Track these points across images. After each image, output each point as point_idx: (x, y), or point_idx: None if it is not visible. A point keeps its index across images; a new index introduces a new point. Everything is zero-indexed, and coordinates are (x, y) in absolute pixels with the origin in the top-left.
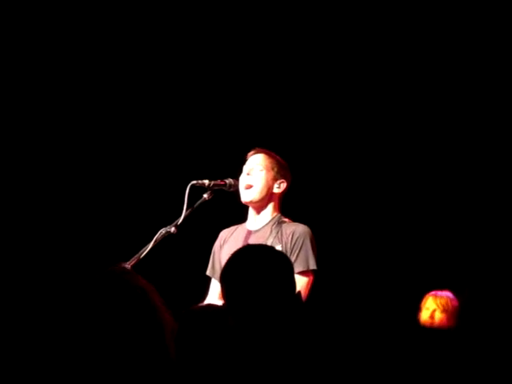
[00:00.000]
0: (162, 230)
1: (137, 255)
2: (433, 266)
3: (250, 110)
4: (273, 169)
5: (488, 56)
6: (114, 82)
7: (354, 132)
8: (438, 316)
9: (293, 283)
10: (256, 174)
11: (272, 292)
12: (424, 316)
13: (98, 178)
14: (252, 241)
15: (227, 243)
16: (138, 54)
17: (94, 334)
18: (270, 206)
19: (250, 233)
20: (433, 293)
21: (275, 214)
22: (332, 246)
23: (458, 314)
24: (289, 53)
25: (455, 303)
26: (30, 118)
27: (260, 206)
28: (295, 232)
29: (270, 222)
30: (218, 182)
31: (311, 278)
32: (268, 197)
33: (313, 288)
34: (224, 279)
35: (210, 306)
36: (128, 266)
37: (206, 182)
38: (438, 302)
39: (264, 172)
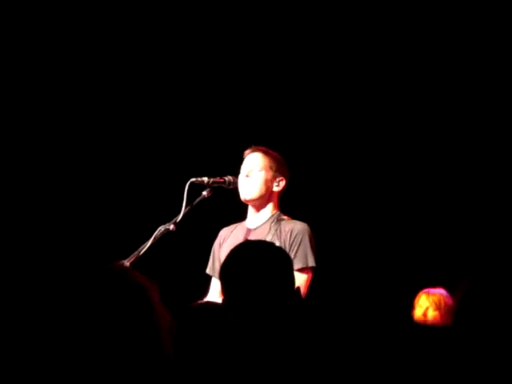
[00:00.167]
0: (161, 228)
1: (136, 252)
2: (431, 262)
3: (248, 108)
4: (271, 168)
5: (488, 56)
6: (113, 81)
7: (351, 129)
8: (431, 314)
9: (292, 279)
10: (255, 175)
11: (271, 288)
12: (417, 314)
13: (97, 176)
14: (251, 238)
15: (227, 241)
16: (137, 53)
17: (89, 332)
18: (270, 204)
19: (249, 231)
20: (425, 290)
21: (274, 211)
22: (330, 243)
23: (453, 311)
24: (285, 50)
25: (448, 301)
26: (29, 115)
27: (259, 205)
28: (294, 229)
29: (268, 219)
30: (218, 179)
31: (310, 275)
32: (267, 195)
33: (311, 285)
34: (223, 275)
35: (209, 303)
36: (127, 263)
37: (205, 179)
38: (431, 299)
39: (263, 172)
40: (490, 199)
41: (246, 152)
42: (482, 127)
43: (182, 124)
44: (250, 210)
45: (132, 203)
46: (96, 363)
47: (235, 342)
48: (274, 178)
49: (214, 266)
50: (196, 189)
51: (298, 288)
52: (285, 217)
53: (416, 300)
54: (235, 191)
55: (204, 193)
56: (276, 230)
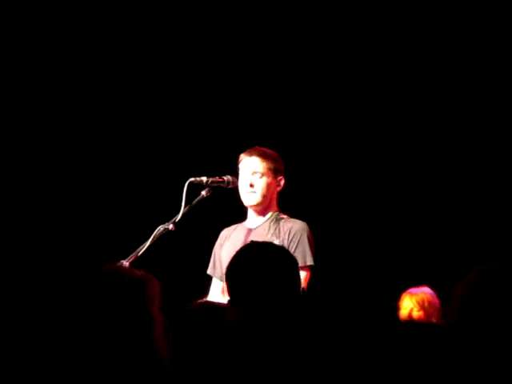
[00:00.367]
0: (160, 227)
1: (135, 252)
2: (429, 259)
3: (245, 107)
4: (270, 169)
5: (488, 56)
6: (111, 80)
7: (348, 127)
8: (416, 314)
9: (298, 280)
10: (257, 183)
11: (278, 289)
12: (402, 315)
13: (96, 176)
14: (252, 238)
15: (227, 242)
16: (136, 52)
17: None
18: (270, 204)
19: (249, 231)
20: (408, 291)
21: (273, 210)
22: (329, 241)
23: (439, 310)
24: (282, 49)
25: (432, 299)
26: (29, 115)
27: (262, 207)
28: (292, 228)
29: (268, 219)
30: (217, 178)
31: (309, 273)
32: (270, 197)
33: (310, 284)
34: (229, 276)
35: (207, 302)
36: (126, 263)
37: (204, 179)
38: (414, 300)
39: (264, 178)
40: (486, 198)
41: (243, 155)
42: (480, 127)
43: (181, 124)
44: (250, 210)
45: (131, 203)
46: (90, 358)
47: (234, 342)
48: (275, 179)
49: (214, 267)
50: (195, 188)
51: (304, 289)
52: (284, 216)
53: (400, 302)
54: (235, 191)
55: (203, 192)
56: (275, 229)
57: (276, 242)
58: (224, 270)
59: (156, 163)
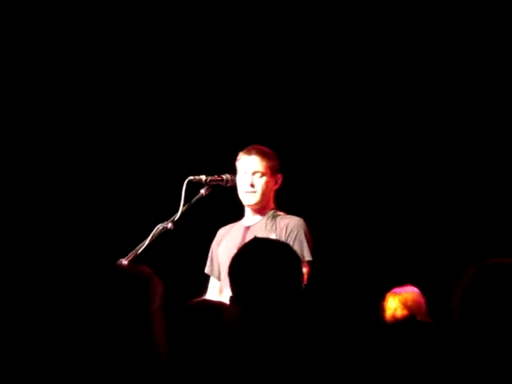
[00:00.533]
0: (159, 226)
1: (134, 251)
2: (426, 256)
3: (243, 104)
4: (269, 168)
5: (488, 56)
6: (111, 80)
7: (342, 123)
8: (400, 314)
9: (301, 276)
10: (256, 181)
11: (281, 285)
12: (387, 316)
13: (94, 175)
14: (249, 236)
15: (224, 240)
16: (135, 50)
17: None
18: (267, 202)
19: (246, 229)
20: (392, 291)
21: (271, 208)
22: (325, 237)
23: (424, 309)
24: (279, 47)
25: (417, 298)
26: (28, 113)
27: (261, 206)
28: (289, 224)
29: (265, 216)
30: (215, 177)
31: (307, 269)
32: (268, 196)
33: (309, 279)
34: (232, 273)
35: (206, 301)
36: (125, 261)
37: (203, 177)
38: (397, 300)
39: (264, 178)
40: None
41: (242, 153)
42: (478, 127)
43: (180, 123)
44: (247, 208)
45: (130, 202)
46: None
47: (234, 339)
48: (274, 177)
49: (212, 266)
50: (194, 187)
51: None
52: (280, 212)
53: (384, 302)
54: (233, 189)
55: (202, 191)
56: (272, 225)
57: (273, 236)
58: (221, 269)
59: (155, 162)
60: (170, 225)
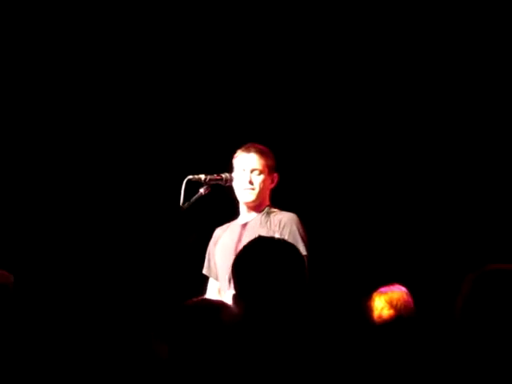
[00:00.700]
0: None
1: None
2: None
3: (241, 103)
4: (267, 166)
5: (488, 56)
6: (109, 79)
7: (335, 121)
8: (386, 313)
9: (305, 274)
10: (255, 179)
11: (285, 283)
12: (375, 316)
13: (93, 175)
14: (245, 234)
15: (221, 240)
16: (135, 50)
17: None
18: (264, 200)
19: (242, 227)
20: (378, 290)
21: (265, 205)
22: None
23: (411, 308)
24: (276, 46)
25: (403, 297)
26: (27, 113)
27: (257, 204)
28: (282, 220)
29: (259, 213)
30: (215, 176)
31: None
32: (264, 193)
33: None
34: (236, 271)
35: (205, 300)
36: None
37: (202, 176)
38: (383, 299)
39: (262, 176)
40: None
41: (241, 151)
42: (475, 129)
43: (179, 121)
44: (243, 206)
45: (128, 200)
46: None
47: (235, 337)
48: (271, 176)
49: (209, 267)
50: (193, 186)
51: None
52: (274, 209)
53: (371, 302)
54: (230, 188)
55: (201, 190)
56: (266, 222)
57: (266, 233)
58: (218, 269)
59: (154, 161)
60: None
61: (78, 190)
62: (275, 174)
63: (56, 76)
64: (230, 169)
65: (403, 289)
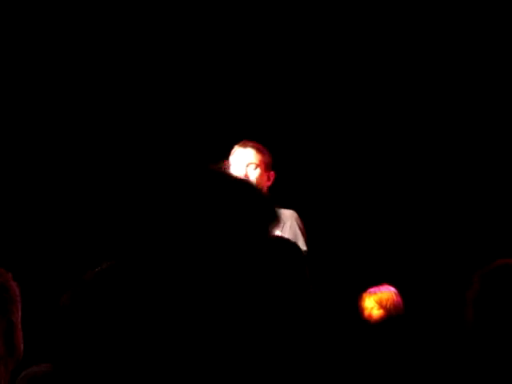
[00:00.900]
0: None
1: None
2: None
3: (239, 102)
4: (263, 162)
5: (488, 56)
6: (108, 78)
7: (338, 120)
8: (376, 313)
9: (307, 273)
10: (250, 172)
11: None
12: (365, 316)
13: (92, 174)
14: None
15: None
16: (133, 49)
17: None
18: None
19: None
20: (368, 291)
21: None
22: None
23: (400, 308)
24: (275, 45)
25: (393, 297)
26: (27, 112)
27: None
28: (281, 217)
29: None
30: None
31: None
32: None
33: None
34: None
35: None
36: None
37: None
38: (372, 300)
39: (258, 170)
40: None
41: (238, 146)
42: (476, 128)
43: (176, 120)
44: None
45: (127, 199)
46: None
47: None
48: (267, 173)
49: None
50: None
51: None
52: None
53: (362, 303)
54: None
55: None
56: None
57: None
58: None
59: (153, 160)
60: None
61: (77, 189)
62: (272, 172)
63: (56, 76)
64: (227, 166)
65: (392, 289)
